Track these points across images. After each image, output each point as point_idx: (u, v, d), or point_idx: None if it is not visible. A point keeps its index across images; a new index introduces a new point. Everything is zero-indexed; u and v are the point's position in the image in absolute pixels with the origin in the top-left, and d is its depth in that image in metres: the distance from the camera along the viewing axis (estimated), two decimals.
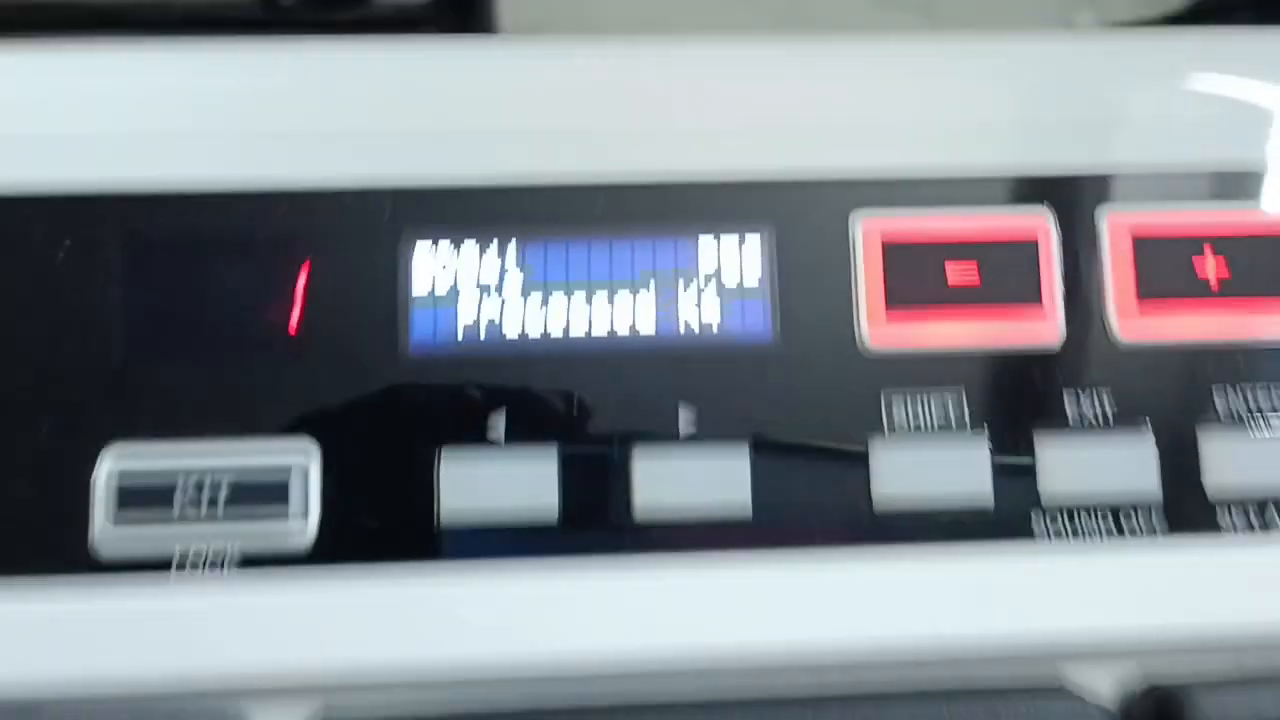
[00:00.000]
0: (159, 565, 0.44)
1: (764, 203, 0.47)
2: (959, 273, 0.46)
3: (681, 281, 0.46)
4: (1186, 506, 0.46)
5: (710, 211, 0.47)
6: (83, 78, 0.46)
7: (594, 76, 0.47)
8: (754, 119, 0.48)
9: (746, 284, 0.46)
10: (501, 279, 0.45)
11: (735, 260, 0.47)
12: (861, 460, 0.46)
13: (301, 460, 0.44)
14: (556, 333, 0.46)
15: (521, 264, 0.46)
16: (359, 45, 0.47)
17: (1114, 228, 0.48)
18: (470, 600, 0.44)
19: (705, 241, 0.46)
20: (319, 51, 0.47)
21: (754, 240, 0.46)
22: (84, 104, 0.46)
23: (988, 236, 0.47)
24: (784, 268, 0.47)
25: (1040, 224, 0.47)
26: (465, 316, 0.46)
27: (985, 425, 0.47)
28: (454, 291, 0.45)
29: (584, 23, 0.50)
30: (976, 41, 0.49)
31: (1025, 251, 0.47)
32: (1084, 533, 0.46)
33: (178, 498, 0.44)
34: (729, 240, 0.46)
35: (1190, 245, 0.48)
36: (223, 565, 0.44)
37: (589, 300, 0.45)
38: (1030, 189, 0.47)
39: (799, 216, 0.47)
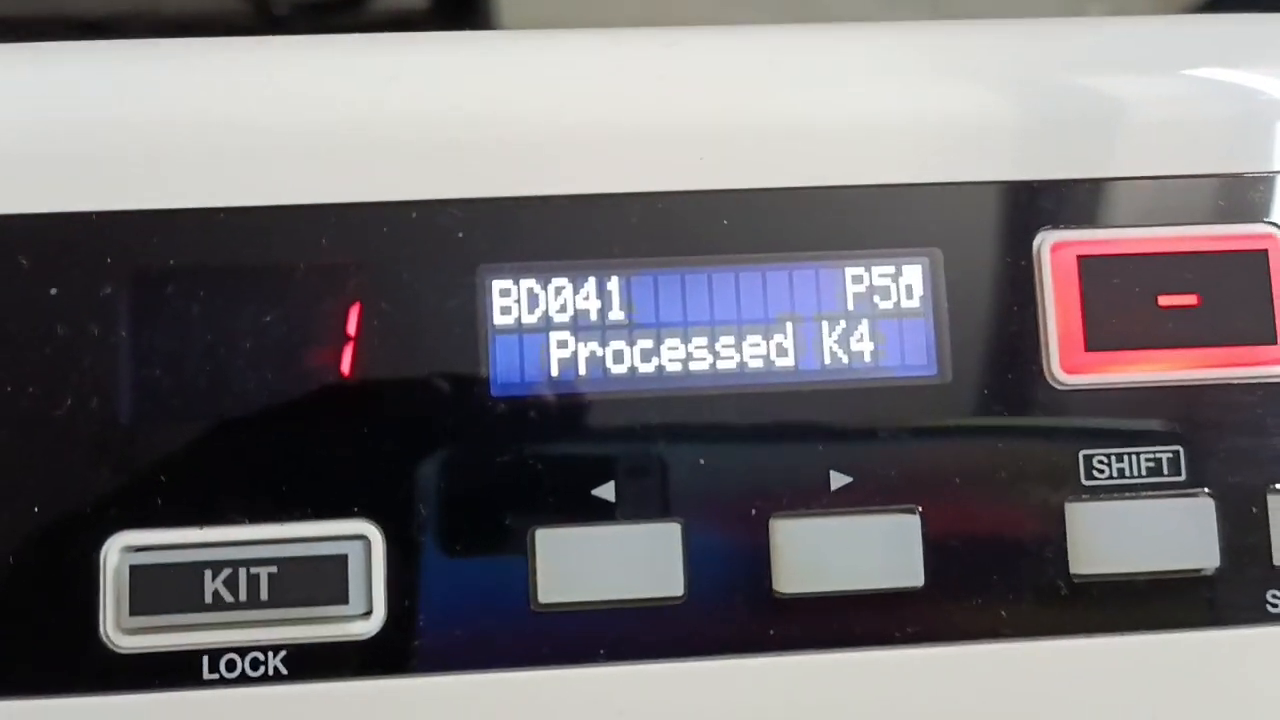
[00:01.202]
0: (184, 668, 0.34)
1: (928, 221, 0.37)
2: (1173, 294, 0.36)
3: (825, 320, 0.36)
4: None
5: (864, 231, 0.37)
6: (71, 79, 0.36)
7: (715, 65, 0.37)
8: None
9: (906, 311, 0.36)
10: (603, 311, 0.35)
11: (893, 287, 0.37)
12: (1055, 524, 0.37)
13: (359, 542, 0.34)
14: (671, 374, 0.36)
15: (627, 299, 0.36)
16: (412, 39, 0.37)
17: None
18: (571, 712, 0.34)
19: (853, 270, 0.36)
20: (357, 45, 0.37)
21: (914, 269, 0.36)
22: (71, 108, 0.36)
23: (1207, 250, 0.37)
24: (952, 295, 0.37)
25: (1271, 238, 0.36)
26: (559, 353, 0.35)
27: (1207, 479, 0.37)
28: (544, 322, 0.35)
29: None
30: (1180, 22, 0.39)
31: (1252, 268, 0.37)
32: None
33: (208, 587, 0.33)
34: (882, 269, 0.36)
35: None
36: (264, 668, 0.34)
37: (712, 336, 0.35)
38: (1256, 196, 0.37)
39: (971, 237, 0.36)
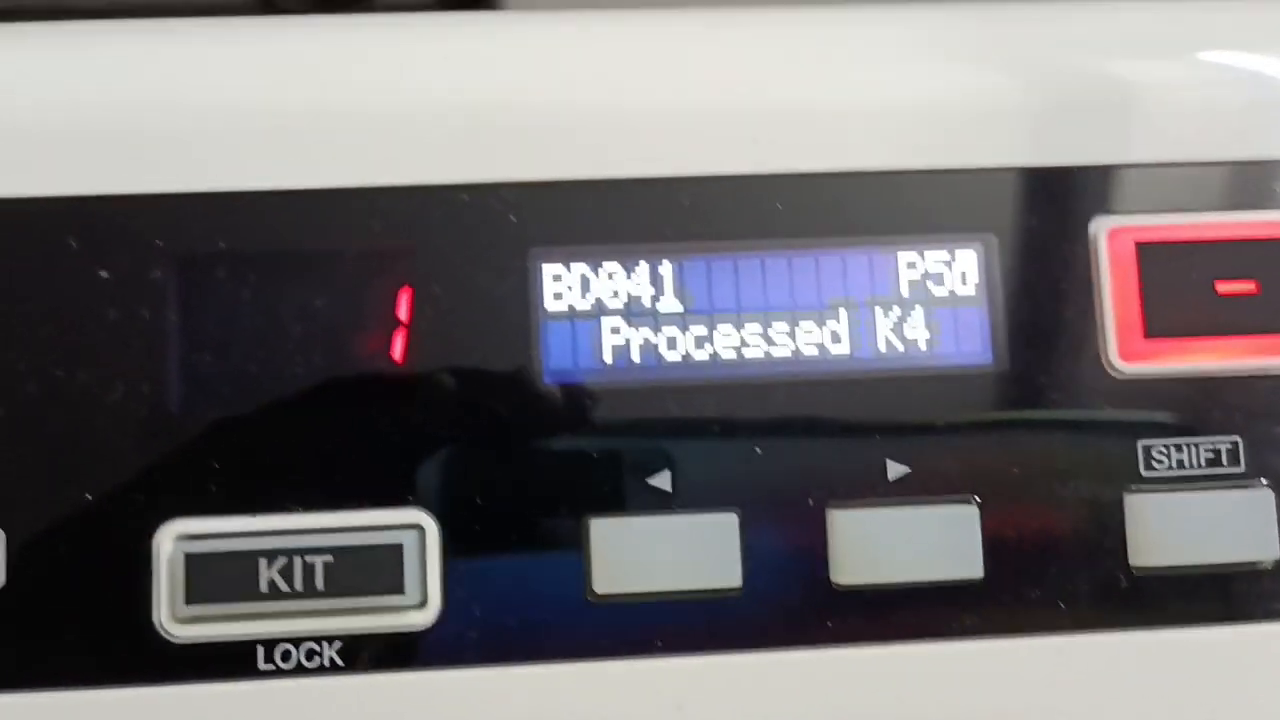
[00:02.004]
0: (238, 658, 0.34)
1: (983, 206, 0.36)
2: (1232, 281, 0.36)
3: (879, 306, 0.35)
4: None
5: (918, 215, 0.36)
6: (119, 58, 0.36)
7: (770, 48, 0.37)
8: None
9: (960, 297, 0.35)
10: (656, 296, 0.35)
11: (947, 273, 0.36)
12: (1114, 514, 0.37)
13: (414, 531, 0.34)
14: (725, 360, 0.35)
15: (679, 285, 0.35)
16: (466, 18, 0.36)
17: None
18: (628, 705, 0.34)
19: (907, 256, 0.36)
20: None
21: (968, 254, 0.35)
22: (122, 88, 0.36)
23: (1266, 237, 0.37)
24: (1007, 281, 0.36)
25: None
26: (611, 339, 0.35)
27: (1267, 469, 0.37)
28: (597, 308, 0.35)
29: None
30: None
31: None
32: None
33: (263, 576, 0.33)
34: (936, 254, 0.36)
35: None
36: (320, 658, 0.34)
37: (765, 323, 0.35)
38: None
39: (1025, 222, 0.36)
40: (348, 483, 0.34)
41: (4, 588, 0.33)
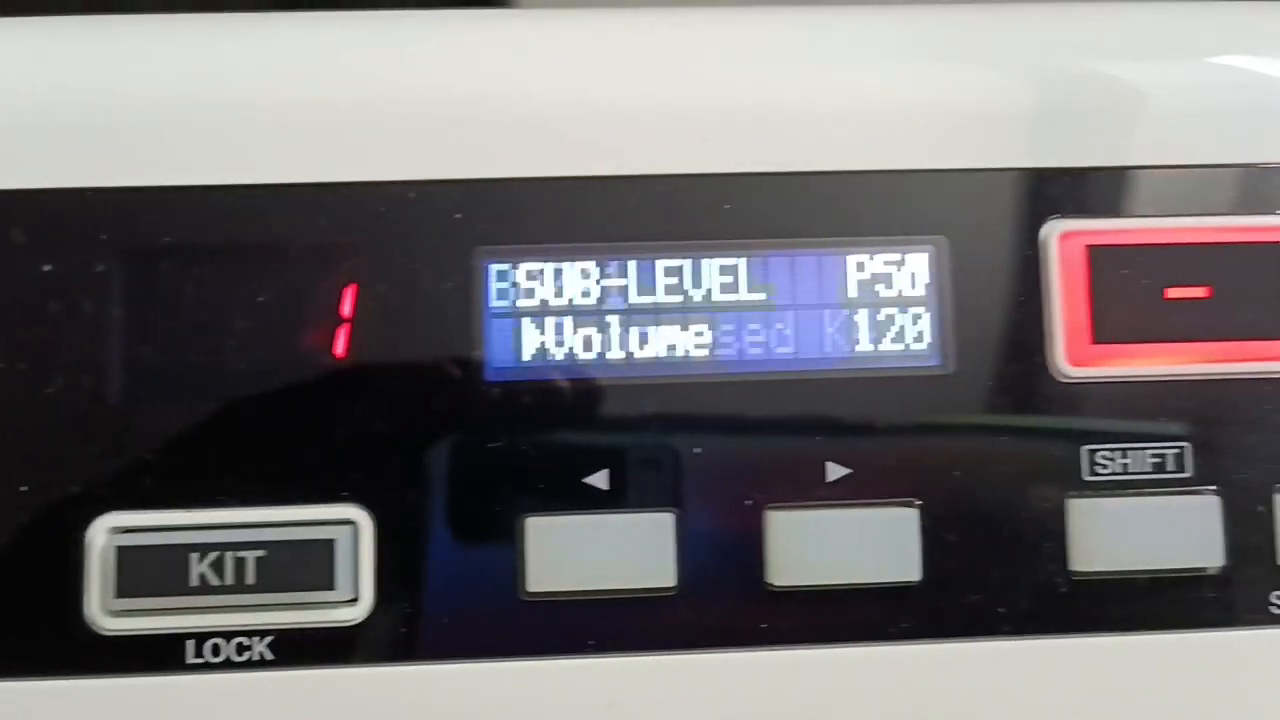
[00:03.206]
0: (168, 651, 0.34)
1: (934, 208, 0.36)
2: (1182, 286, 0.35)
3: (826, 306, 0.35)
4: None
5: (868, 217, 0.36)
6: (66, 53, 0.36)
7: (720, 47, 0.37)
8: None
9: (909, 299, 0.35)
10: (600, 295, 0.35)
11: (896, 276, 0.36)
12: (1055, 519, 0.36)
13: (348, 527, 0.34)
14: (668, 360, 0.35)
15: (625, 284, 0.36)
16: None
17: None
18: (558, 704, 0.34)
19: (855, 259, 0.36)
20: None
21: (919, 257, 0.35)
22: (66, 83, 0.36)
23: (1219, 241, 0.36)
24: (957, 284, 0.36)
25: None
26: (555, 337, 0.35)
27: (1212, 476, 0.36)
28: (541, 306, 0.35)
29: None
30: None
31: (1266, 261, 0.37)
32: None
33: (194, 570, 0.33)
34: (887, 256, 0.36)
35: None
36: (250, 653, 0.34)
37: (711, 323, 0.35)
38: (1272, 187, 0.36)
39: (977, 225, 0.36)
40: (285, 478, 0.35)
41: None
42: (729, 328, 0.36)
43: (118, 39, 0.37)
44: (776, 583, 0.35)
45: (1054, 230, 0.36)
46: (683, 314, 0.36)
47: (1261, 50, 0.39)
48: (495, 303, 0.36)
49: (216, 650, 0.34)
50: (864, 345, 0.36)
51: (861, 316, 0.36)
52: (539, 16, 0.38)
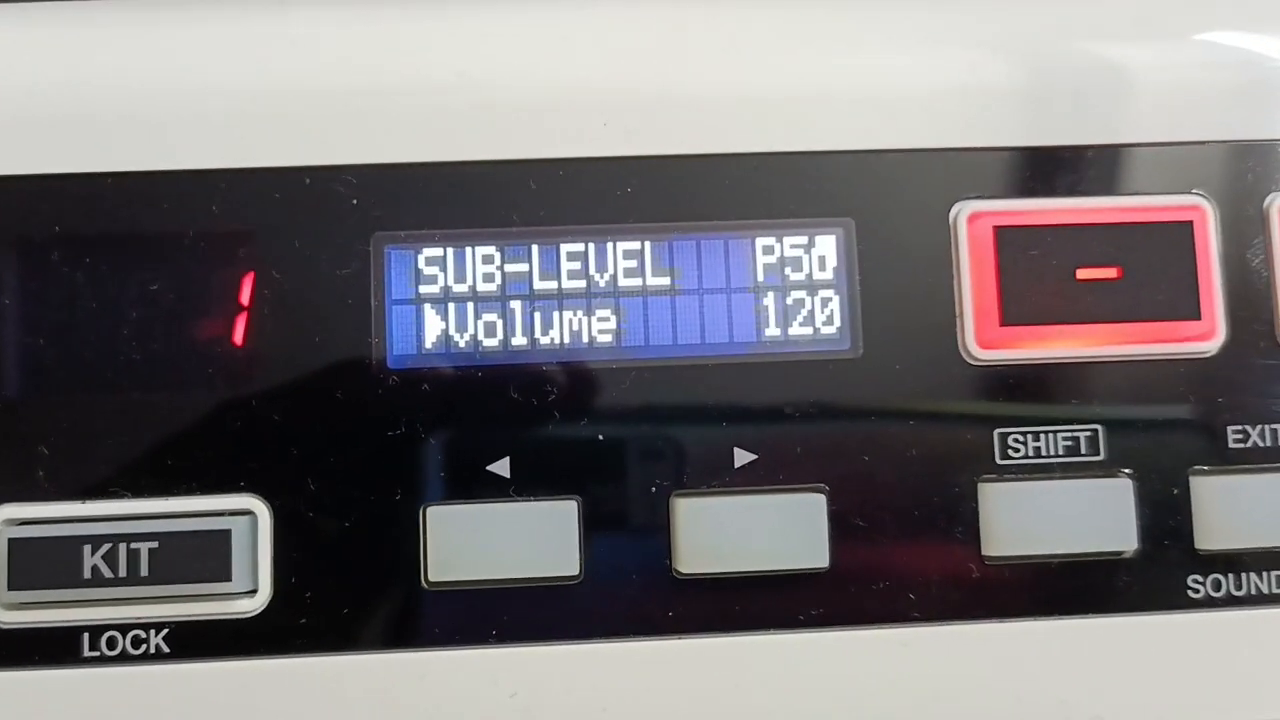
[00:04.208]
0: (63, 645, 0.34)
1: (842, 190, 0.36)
2: (1092, 267, 0.35)
3: (734, 291, 0.35)
4: None
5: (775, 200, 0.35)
6: None
7: (621, 30, 0.36)
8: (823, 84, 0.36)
9: (818, 283, 0.34)
10: (503, 281, 0.34)
11: (805, 259, 0.35)
12: (967, 504, 0.36)
13: (245, 518, 0.33)
14: (573, 346, 0.34)
15: (527, 269, 0.35)
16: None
17: None
18: (461, 694, 0.33)
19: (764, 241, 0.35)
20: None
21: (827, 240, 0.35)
22: None
23: (1129, 221, 0.36)
24: (865, 267, 0.35)
25: (1197, 210, 0.35)
26: (456, 324, 0.34)
27: (1126, 459, 0.35)
28: (442, 293, 0.34)
29: None
30: None
31: (1176, 240, 0.36)
32: (1252, 598, 0.36)
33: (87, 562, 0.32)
34: (794, 239, 0.35)
35: None
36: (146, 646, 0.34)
37: (616, 308, 0.34)
38: (1182, 167, 0.35)
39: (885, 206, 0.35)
40: (181, 468, 0.34)
41: None
42: (633, 311, 0.35)
43: (4, 25, 0.36)
44: (684, 570, 0.35)
45: (962, 211, 0.36)
46: (587, 299, 0.35)
47: (1168, 25, 0.38)
48: (394, 290, 0.35)
49: (113, 643, 0.33)
50: (772, 330, 0.35)
51: (769, 300, 0.35)
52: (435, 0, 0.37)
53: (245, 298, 0.35)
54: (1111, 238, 0.36)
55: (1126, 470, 0.36)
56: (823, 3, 0.37)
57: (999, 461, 0.35)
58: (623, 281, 0.36)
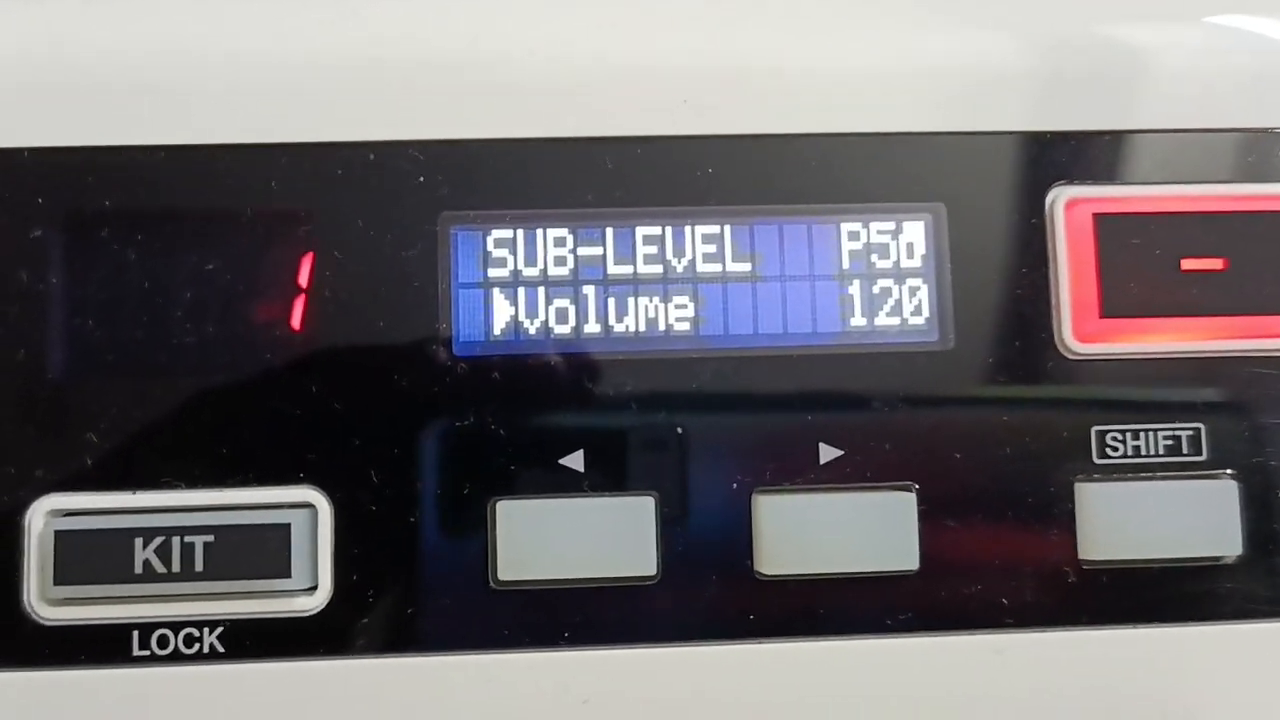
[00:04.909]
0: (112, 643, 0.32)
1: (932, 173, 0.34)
2: (1198, 258, 0.33)
3: (817, 278, 0.33)
4: None
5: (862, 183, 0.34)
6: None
7: (703, 2, 0.34)
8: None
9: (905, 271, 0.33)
10: (575, 265, 0.32)
11: (892, 245, 0.34)
12: (1063, 505, 0.34)
13: (305, 511, 0.32)
14: (649, 334, 0.33)
15: (602, 253, 0.34)
16: None
17: None
18: (530, 700, 0.32)
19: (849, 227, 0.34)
20: None
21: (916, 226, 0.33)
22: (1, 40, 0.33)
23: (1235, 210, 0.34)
24: (956, 255, 0.34)
25: None
26: (527, 309, 0.33)
27: (1230, 460, 0.34)
28: (512, 276, 0.32)
29: None
30: None
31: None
32: None
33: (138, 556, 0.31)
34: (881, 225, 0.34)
35: None
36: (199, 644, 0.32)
37: (694, 294, 0.32)
38: None
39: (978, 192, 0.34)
40: (237, 459, 0.32)
41: None
42: (712, 299, 0.33)
43: None
44: (766, 571, 0.33)
45: (1060, 197, 0.34)
46: (664, 285, 0.33)
47: (1271, 10, 0.36)
48: (462, 272, 0.33)
49: (164, 642, 0.32)
50: (858, 319, 0.34)
51: (855, 289, 0.34)
52: None
53: (304, 279, 0.33)
54: (1218, 227, 0.34)
55: (1230, 471, 0.33)
56: None
57: (1096, 461, 0.34)
58: (701, 267, 0.34)
